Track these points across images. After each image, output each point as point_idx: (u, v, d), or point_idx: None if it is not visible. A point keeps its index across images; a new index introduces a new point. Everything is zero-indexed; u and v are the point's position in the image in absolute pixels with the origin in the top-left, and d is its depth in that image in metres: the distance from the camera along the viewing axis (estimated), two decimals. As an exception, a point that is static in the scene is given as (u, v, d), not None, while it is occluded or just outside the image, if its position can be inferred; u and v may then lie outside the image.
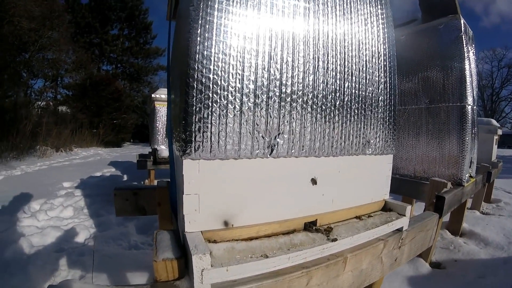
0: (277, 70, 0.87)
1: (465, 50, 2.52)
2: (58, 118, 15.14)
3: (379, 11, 1.16)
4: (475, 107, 2.62)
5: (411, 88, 2.79)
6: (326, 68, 0.95)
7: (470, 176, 2.72)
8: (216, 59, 0.79)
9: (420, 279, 2.20)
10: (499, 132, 4.95)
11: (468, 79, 2.50)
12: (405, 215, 1.19)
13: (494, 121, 4.98)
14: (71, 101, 20.16)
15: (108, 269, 2.04)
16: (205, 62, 0.77)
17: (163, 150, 4.90)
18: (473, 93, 2.57)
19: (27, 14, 10.24)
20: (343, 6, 1.03)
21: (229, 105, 0.80)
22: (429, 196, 2.40)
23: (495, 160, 4.81)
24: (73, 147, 13.76)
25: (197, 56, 0.77)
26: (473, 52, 2.75)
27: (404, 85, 2.83)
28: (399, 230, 1.20)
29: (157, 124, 5.04)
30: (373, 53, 1.10)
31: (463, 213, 3.08)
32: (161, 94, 5.08)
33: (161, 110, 5.03)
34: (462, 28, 2.53)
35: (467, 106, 2.47)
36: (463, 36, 2.53)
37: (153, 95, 5.14)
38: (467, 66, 2.51)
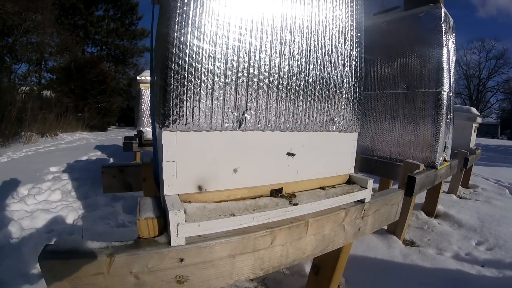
0: (246, 53, 0.96)
1: (444, 38, 2.60)
2: (43, 103, 14.82)
3: (348, -1, 1.25)
4: (451, 94, 2.72)
5: (390, 74, 2.87)
6: (291, 52, 1.05)
7: (445, 160, 2.84)
8: (191, 44, 0.88)
9: (393, 255, 2.31)
10: (479, 120, 5.06)
11: (445, 67, 2.59)
12: (367, 188, 1.31)
13: (473, 109, 5.09)
14: (56, 85, 19.65)
15: None
16: (181, 46, 0.86)
17: (148, 132, 4.95)
18: (449, 81, 2.67)
19: (11, -3, 9.99)
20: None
21: (202, 84, 0.90)
22: (402, 177, 2.53)
23: (474, 147, 4.92)
24: (58, 132, 13.56)
25: (175, 41, 0.86)
26: (452, 41, 2.83)
27: (383, 71, 2.91)
28: (362, 201, 1.32)
29: (143, 106, 5.08)
30: (339, 39, 1.20)
31: (438, 195, 3.21)
32: (147, 76, 5.08)
33: (147, 92, 5.06)
34: (442, 17, 2.60)
35: (442, 92, 2.56)
36: (443, 25, 2.60)
37: (138, 77, 5.16)
38: (445, 54, 2.59)
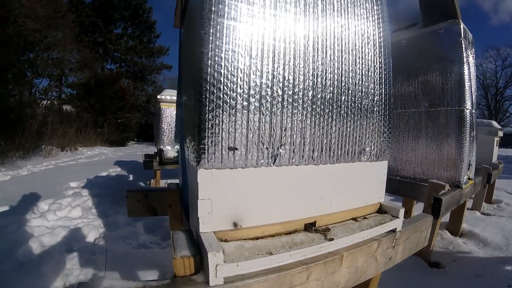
0: (280, 88, 0.96)
1: (464, 55, 2.58)
2: (63, 118, 15.30)
3: (376, 26, 1.24)
4: (473, 111, 2.69)
5: (411, 92, 2.85)
6: (323, 84, 1.04)
7: (469, 178, 2.78)
8: (224, 80, 0.88)
9: (419, 278, 2.26)
10: (500, 133, 4.98)
11: (467, 84, 2.56)
12: (398, 217, 1.28)
13: (495, 123, 5.01)
14: (76, 100, 20.36)
15: (120, 268, 2.12)
16: (216, 75, 0.87)
17: (169, 150, 4.99)
18: (471, 97, 2.64)
19: (32, 15, 10.38)
20: (341, 22, 1.12)
21: (237, 121, 0.90)
22: (427, 197, 2.47)
23: (496, 161, 4.82)
24: (78, 146, 13.92)
25: (209, 69, 0.86)
26: (472, 56, 2.81)
27: (405, 89, 2.90)
28: (393, 231, 1.29)
29: (163, 125, 5.14)
30: (369, 67, 1.19)
31: (463, 213, 3.14)
32: (167, 95, 5.18)
33: (167, 111, 5.14)
34: (462, 33, 2.59)
35: (465, 110, 2.54)
36: (463, 41, 2.58)
37: (158, 96, 5.23)
38: (466, 71, 2.57)
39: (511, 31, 76.19)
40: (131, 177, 6.67)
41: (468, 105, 2.57)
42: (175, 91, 5.37)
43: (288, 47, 0.98)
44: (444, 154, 2.64)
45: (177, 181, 5.52)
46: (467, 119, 2.54)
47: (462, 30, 2.59)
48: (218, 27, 0.88)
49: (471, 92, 2.64)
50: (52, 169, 7.81)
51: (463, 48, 2.58)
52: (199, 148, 0.87)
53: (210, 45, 0.87)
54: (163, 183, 5.24)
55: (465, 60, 2.57)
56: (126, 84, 27.20)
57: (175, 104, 5.07)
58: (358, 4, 1.17)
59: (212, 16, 0.87)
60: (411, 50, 2.90)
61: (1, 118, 9.32)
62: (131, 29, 31.29)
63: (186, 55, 1.27)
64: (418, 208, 3.47)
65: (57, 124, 13.05)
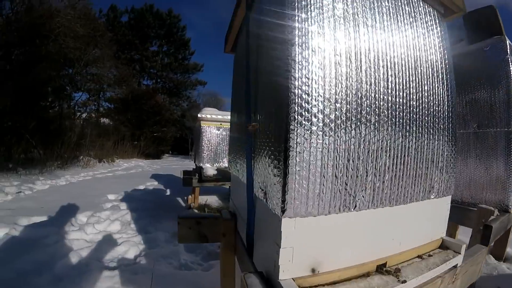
0: (360, 146, 0.99)
1: None
2: (101, 130, 15.97)
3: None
4: None
5: (459, 112, 2.77)
6: (401, 128, 1.07)
7: (518, 202, 2.65)
8: (311, 137, 0.91)
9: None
10: None
11: None
12: (460, 253, 1.27)
13: None
14: (113, 114, 21.26)
15: None
16: (301, 140, 0.89)
17: (208, 168, 5.07)
18: None
19: (72, 34, 10.91)
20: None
21: (323, 169, 0.92)
22: (476, 223, 2.38)
23: None
24: (115, 158, 14.42)
25: (291, 143, 0.88)
26: None
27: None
28: (455, 266, 1.25)
29: (203, 143, 5.22)
30: (439, 112, 1.19)
31: (508, 237, 2.98)
32: (207, 113, 5.29)
33: (207, 130, 5.23)
34: (508, 50, 2.51)
35: (515, 131, 2.43)
36: (509, 58, 2.49)
37: (199, 115, 5.34)
38: None
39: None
40: (168, 192, 6.74)
41: None
42: (215, 109, 5.52)
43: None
44: (493, 177, 2.54)
45: (215, 198, 5.51)
46: None
47: (508, 46, 2.52)
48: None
49: None
50: (90, 180, 8.07)
51: (510, 65, 2.49)
52: (285, 198, 0.88)
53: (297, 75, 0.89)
54: (201, 199, 5.33)
55: None
56: (162, 99, 28.04)
57: (215, 123, 5.22)
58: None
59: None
60: (456, 68, 2.81)
61: (41, 129, 9.80)
62: (166, 46, 32.63)
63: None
64: (461, 231, 3.31)
65: (95, 137, 13.60)
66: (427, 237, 1.26)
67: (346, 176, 0.96)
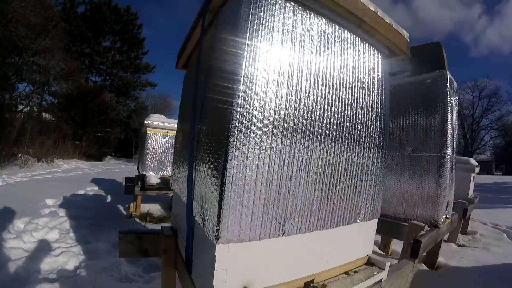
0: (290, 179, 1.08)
1: (448, 104, 2.72)
2: (43, 127, 14.91)
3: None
4: (454, 156, 2.81)
5: (396, 137, 2.98)
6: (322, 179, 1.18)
7: (446, 217, 2.90)
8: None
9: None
10: (477, 170, 5.19)
11: (449, 131, 2.70)
12: (384, 269, 1.41)
13: (472, 160, 5.23)
14: (56, 110, 19.85)
15: None
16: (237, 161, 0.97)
17: (152, 177, 4.95)
18: (453, 144, 2.76)
19: (25, 22, 10.24)
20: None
21: (255, 201, 1.03)
22: (407, 238, 2.55)
23: (472, 196, 5.02)
24: (55, 158, 13.53)
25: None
26: (456, 104, 2.98)
27: (390, 133, 3.01)
28: (379, 281, 1.37)
29: (148, 151, 5.11)
30: (367, 145, 1.30)
31: (439, 248, 3.23)
32: (154, 120, 5.20)
33: (153, 137, 5.14)
34: (448, 84, 2.73)
35: (446, 156, 2.67)
36: (448, 91, 2.73)
37: (145, 121, 5.23)
38: (449, 120, 2.70)
39: (489, 63, 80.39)
40: (109, 198, 6.50)
41: (449, 151, 2.70)
42: (163, 117, 5.41)
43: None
44: (424, 195, 2.75)
45: (158, 206, 5.34)
46: (447, 164, 2.68)
47: (448, 80, 2.74)
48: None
49: (453, 138, 2.78)
50: (28, 181, 7.59)
51: (448, 97, 2.72)
52: (220, 227, 0.97)
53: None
54: (143, 207, 5.16)
55: (449, 109, 2.72)
56: (109, 97, 26.78)
57: (161, 130, 5.12)
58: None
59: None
60: (398, 96, 3.00)
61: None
62: (120, 43, 31.27)
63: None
64: (396, 242, 3.53)
65: (35, 133, 12.70)
66: (354, 255, 1.41)
67: (277, 207, 1.07)
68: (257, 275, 1.08)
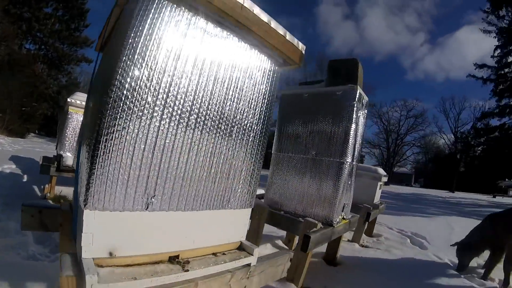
0: (160, 152, 1.28)
1: (354, 116, 3.02)
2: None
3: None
4: (354, 163, 3.17)
5: (303, 140, 3.27)
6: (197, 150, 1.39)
7: (343, 218, 3.29)
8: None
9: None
10: (384, 179, 5.58)
11: (350, 141, 3.02)
12: (252, 254, 1.65)
13: (380, 170, 5.70)
14: (-19, 77, 17.86)
15: (9, 278, 2.05)
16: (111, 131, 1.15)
17: (68, 157, 4.79)
18: (353, 152, 3.11)
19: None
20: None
21: (120, 176, 1.20)
22: (302, 233, 2.82)
23: (378, 202, 5.45)
24: (-28, 130, 12.28)
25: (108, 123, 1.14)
26: (363, 117, 3.31)
27: (298, 137, 3.31)
28: (248, 265, 1.64)
29: (67, 130, 4.92)
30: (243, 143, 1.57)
31: (338, 246, 3.60)
32: (77, 99, 4.97)
33: (74, 117, 4.94)
34: (357, 98, 3.02)
35: (345, 162, 3.00)
36: (355, 104, 3.02)
37: (68, 99, 5.01)
38: (352, 130, 3.02)
39: (422, 87, 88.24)
40: (25, 178, 6.23)
41: (349, 158, 3.05)
42: (86, 95, 5.19)
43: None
44: (322, 196, 3.05)
45: (72, 190, 5.11)
46: (346, 169, 3.02)
47: (357, 95, 3.04)
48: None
49: (354, 147, 3.13)
50: None
51: (355, 110, 3.03)
52: (87, 195, 1.14)
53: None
54: (58, 190, 4.99)
55: (354, 121, 3.03)
56: (40, 69, 24.83)
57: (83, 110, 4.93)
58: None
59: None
60: (310, 104, 3.31)
61: None
62: (62, 11, 28.90)
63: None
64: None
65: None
66: (224, 239, 1.64)
67: (142, 183, 1.26)
68: (123, 244, 1.24)
